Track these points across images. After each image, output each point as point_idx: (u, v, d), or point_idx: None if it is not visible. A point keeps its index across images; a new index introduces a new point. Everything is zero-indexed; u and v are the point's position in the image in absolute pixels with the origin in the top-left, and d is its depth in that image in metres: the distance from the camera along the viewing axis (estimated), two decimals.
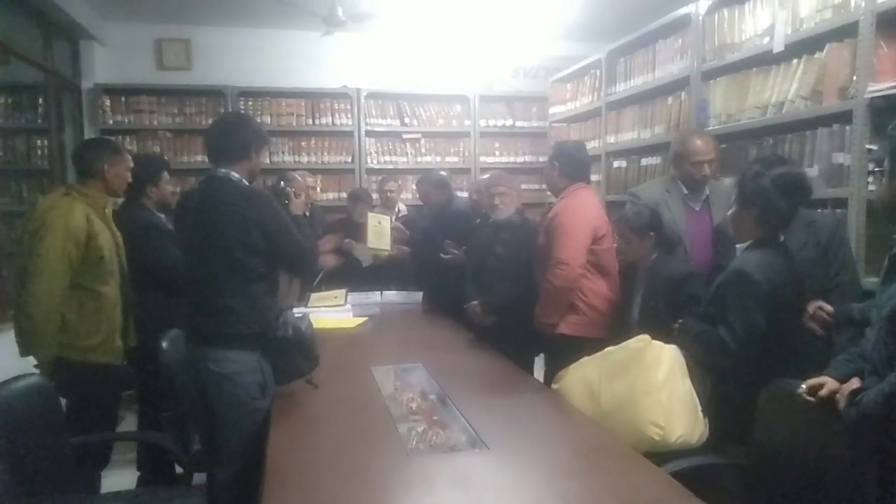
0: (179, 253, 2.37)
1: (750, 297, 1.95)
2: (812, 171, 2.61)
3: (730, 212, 2.18)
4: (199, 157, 5.12)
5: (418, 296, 4.19)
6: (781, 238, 2.10)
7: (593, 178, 4.44)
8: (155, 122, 5.10)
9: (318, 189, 5.38)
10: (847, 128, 2.43)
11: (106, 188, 2.63)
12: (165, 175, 3.00)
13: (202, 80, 5.26)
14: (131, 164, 2.74)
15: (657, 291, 2.48)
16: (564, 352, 2.60)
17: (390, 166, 5.49)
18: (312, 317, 3.49)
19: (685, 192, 2.85)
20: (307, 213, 4.25)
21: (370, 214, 4.13)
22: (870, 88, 2.28)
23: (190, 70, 5.37)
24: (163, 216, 2.96)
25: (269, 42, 5.46)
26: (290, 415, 2.10)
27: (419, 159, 5.59)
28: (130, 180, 2.74)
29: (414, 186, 5.50)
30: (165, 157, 4.80)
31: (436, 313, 3.79)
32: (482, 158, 5.66)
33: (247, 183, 2.24)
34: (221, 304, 2.12)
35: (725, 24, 3.13)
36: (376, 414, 2.08)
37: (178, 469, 2.75)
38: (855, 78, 2.39)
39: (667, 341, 2.11)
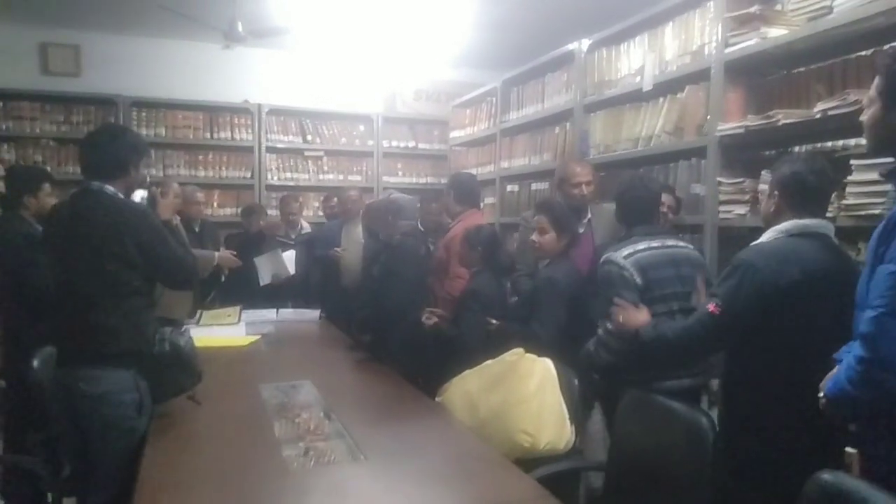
0: (50, 269, 2.27)
1: (557, 298, 2.51)
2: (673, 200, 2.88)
3: (546, 237, 2.65)
4: None
5: (314, 313, 4.19)
6: None
7: (489, 200, 4.66)
8: (38, 130, 4.84)
9: (216, 204, 5.30)
10: (703, 161, 2.71)
11: None
12: (46, 186, 2.88)
13: (92, 88, 5.04)
14: (1, 173, 2.62)
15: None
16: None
17: (291, 183, 5.47)
18: (203, 334, 3.47)
19: None
20: (197, 229, 4.17)
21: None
22: (720, 127, 2.56)
23: (79, 77, 5.14)
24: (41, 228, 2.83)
25: (167, 52, 5.33)
26: (168, 434, 2.07)
27: (321, 177, 5.60)
28: (2, 191, 2.62)
29: (316, 204, 5.52)
30: (48, 168, 4.59)
31: (331, 331, 3.81)
32: (385, 178, 5.75)
33: (122, 196, 2.17)
34: (93, 321, 2.05)
35: (604, 62, 3.40)
36: (258, 431, 2.09)
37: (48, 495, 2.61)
38: (708, 117, 2.68)
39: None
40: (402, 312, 2.92)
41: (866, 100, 1.50)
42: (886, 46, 2.16)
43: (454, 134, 5.29)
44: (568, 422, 2.12)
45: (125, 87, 5.06)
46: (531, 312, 2.57)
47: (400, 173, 5.84)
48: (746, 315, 1.77)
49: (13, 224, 2.75)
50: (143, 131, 5.03)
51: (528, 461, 1.97)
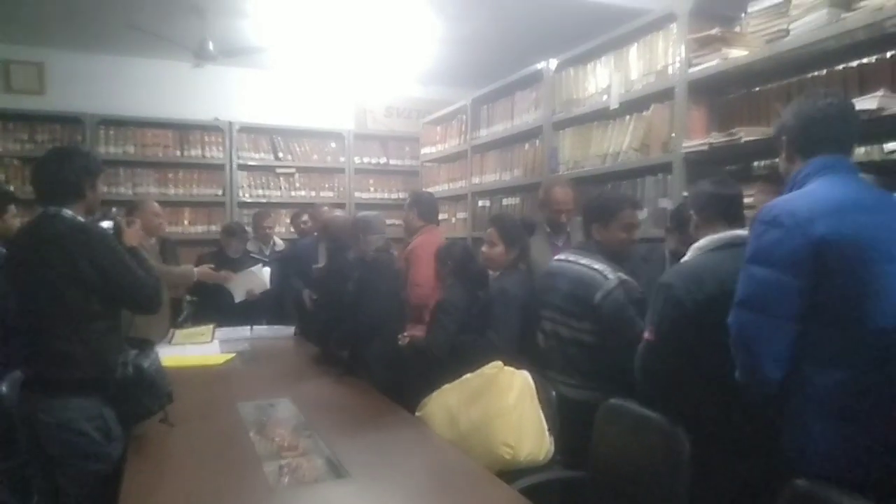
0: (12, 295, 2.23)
1: (511, 308, 2.64)
2: (642, 214, 2.97)
3: (495, 249, 2.81)
4: None
5: (289, 330, 4.18)
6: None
7: (461, 215, 4.73)
8: (0, 149, 4.74)
9: (187, 222, 5.26)
10: (668, 177, 2.80)
11: None
12: (12, 208, 2.83)
13: (57, 106, 4.97)
14: None
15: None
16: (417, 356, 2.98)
17: (263, 200, 5.46)
18: (177, 354, 3.43)
19: (548, 230, 3.16)
20: (156, 245, 4.10)
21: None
22: (685, 144, 2.66)
23: (43, 95, 5.07)
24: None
25: (135, 70, 5.29)
26: (146, 456, 2.04)
27: (293, 193, 5.61)
28: None
29: (288, 220, 5.50)
30: (11, 188, 4.50)
31: (306, 347, 3.80)
32: (357, 194, 5.78)
33: (81, 219, 2.13)
34: (51, 348, 2.03)
35: (572, 81, 3.49)
36: (240, 451, 2.08)
37: None
38: (673, 135, 2.78)
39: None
40: (379, 327, 2.93)
41: None
42: (841, 66, 2.29)
43: (425, 150, 5.35)
44: (547, 433, 2.16)
45: (91, 105, 5.01)
46: (487, 323, 2.71)
47: (372, 189, 5.88)
48: (675, 334, 1.84)
49: None
50: (111, 149, 4.99)
51: (508, 473, 2.00)
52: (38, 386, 2.04)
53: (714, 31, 2.54)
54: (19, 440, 2.23)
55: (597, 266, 2.36)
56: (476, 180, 4.49)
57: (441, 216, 4.91)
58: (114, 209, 2.70)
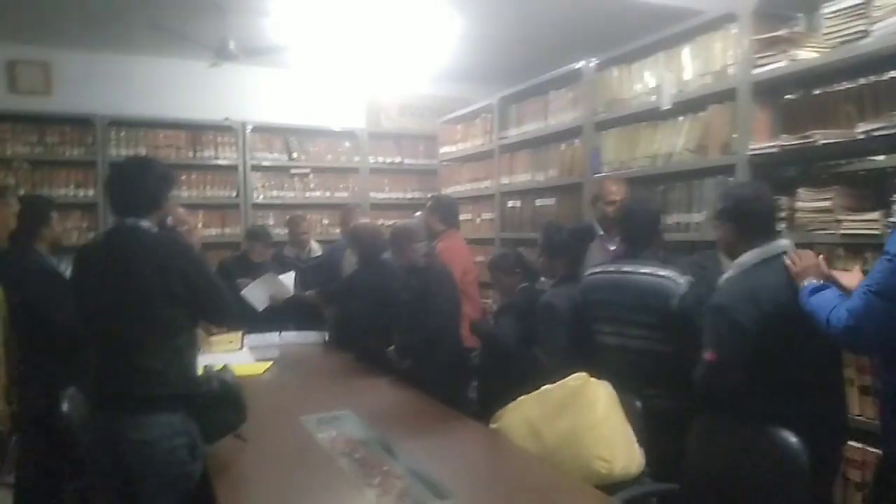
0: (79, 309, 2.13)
1: (556, 323, 2.61)
2: (699, 216, 2.95)
3: (540, 259, 2.90)
4: (62, 191, 4.69)
5: (318, 335, 4.09)
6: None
7: (487, 216, 4.66)
8: (9, 152, 4.55)
9: (201, 224, 5.10)
10: (730, 179, 2.77)
11: None
12: (55, 215, 2.71)
13: (65, 107, 4.79)
14: (16, 209, 2.46)
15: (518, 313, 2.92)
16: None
17: (278, 201, 5.34)
18: (210, 364, 3.31)
19: (601, 233, 3.11)
20: None
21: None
22: (751, 146, 2.63)
23: (50, 95, 4.89)
24: (54, 259, 2.66)
25: (145, 70, 5.13)
26: (231, 477, 1.98)
27: (308, 194, 5.49)
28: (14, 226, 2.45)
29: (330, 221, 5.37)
30: (21, 191, 4.34)
31: (339, 353, 3.72)
32: (372, 194, 5.68)
33: (156, 231, 2.08)
34: (138, 364, 1.94)
35: (615, 81, 3.44)
36: (326, 469, 2.01)
37: None
38: (735, 136, 2.74)
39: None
40: (445, 333, 2.87)
41: None
42: None
43: (445, 149, 5.27)
44: (636, 444, 2.12)
45: (100, 106, 4.83)
46: (530, 334, 2.74)
47: (387, 188, 5.78)
48: (737, 354, 1.91)
49: (30, 259, 2.56)
50: (122, 151, 4.83)
51: (603, 487, 1.96)
52: (125, 403, 1.94)
53: (781, 32, 2.51)
54: (88, 461, 2.14)
55: (662, 273, 2.37)
56: (505, 180, 4.42)
57: (464, 216, 4.87)
58: (168, 218, 2.60)
